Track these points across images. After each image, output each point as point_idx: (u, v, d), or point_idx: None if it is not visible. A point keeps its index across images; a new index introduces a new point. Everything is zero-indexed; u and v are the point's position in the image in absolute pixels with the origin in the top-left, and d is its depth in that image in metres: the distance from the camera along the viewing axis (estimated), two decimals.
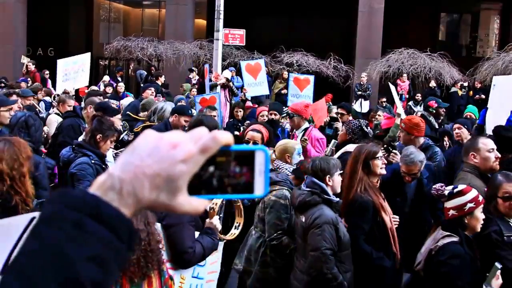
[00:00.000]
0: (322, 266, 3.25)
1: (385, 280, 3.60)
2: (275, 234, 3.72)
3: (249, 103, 9.66)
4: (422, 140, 5.17)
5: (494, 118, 6.32)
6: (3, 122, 5.03)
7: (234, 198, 0.80)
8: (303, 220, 3.40)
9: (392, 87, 7.83)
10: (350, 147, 4.74)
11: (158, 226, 2.91)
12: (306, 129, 5.85)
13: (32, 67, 12.73)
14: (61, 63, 10.81)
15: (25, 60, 13.59)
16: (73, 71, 10.65)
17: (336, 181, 3.49)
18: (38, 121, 5.92)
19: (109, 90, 11.76)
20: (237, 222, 3.62)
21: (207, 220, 3.33)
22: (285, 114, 7.22)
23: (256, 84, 11.01)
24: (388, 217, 3.65)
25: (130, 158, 0.73)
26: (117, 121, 5.38)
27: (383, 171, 3.76)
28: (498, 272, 2.92)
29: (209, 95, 8.74)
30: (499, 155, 3.98)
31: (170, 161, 0.72)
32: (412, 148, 4.40)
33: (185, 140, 0.74)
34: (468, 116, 7.46)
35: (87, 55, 11.06)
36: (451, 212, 3.05)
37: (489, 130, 6.42)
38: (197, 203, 0.76)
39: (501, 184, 3.32)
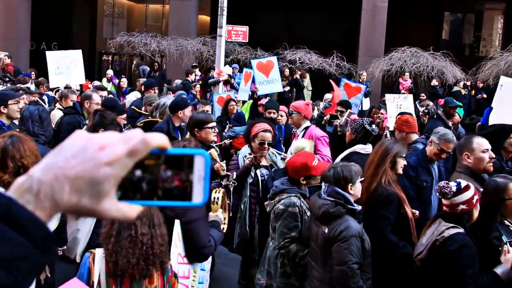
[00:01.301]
0: (349, 280, 3.15)
1: (408, 267, 3.58)
2: (282, 243, 3.65)
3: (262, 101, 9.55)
4: (414, 136, 5.25)
5: (499, 119, 6.31)
6: (12, 115, 4.97)
7: (170, 205, 0.74)
8: (326, 231, 3.27)
9: (388, 98, 7.94)
10: (358, 148, 4.77)
11: (176, 224, 2.96)
12: (306, 128, 5.80)
13: (7, 60, 12.58)
14: (51, 56, 10.62)
15: (1, 54, 13.47)
16: (66, 66, 10.48)
17: (357, 188, 3.39)
18: (49, 116, 5.89)
19: (123, 83, 11.63)
20: (223, 217, 3.63)
21: (211, 213, 3.38)
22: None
23: (268, 81, 10.92)
24: (409, 209, 3.73)
25: (55, 159, 0.69)
26: (122, 120, 5.36)
27: (401, 171, 3.87)
28: (506, 246, 3.03)
29: (225, 94, 8.76)
30: (494, 156, 3.98)
31: (94, 163, 0.68)
32: (441, 128, 4.56)
33: (114, 142, 0.70)
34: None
35: (79, 52, 10.90)
36: (461, 206, 3.10)
37: None
38: (127, 209, 0.72)
39: (507, 185, 3.29)
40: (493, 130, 5.18)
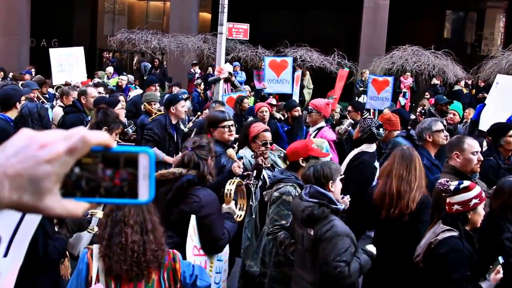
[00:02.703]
0: (337, 277, 3.10)
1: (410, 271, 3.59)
2: (271, 229, 3.67)
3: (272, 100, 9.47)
4: (396, 133, 5.35)
5: (493, 116, 6.29)
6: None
7: (115, 202, 0.75)
8: (312, 233, 3.23)
9: None
10: (365, 147, 4.84)
11: (192, 218, 3.04)
12: (319, 129, 5.73)
13: None
14: (54, 53, 10.71)
15: None
16: (68, 63, 10.58)
17: (338, 186, 3.36)
18: (48, 113, 5.87)
19: (123, 81, 11.66)
20: (240, 204, 3.73)
21: (224, 205, 3.45)
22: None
23: (277, 81, 10.82)
24: None
25: None
26: (121, 112, 5.37)
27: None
28: (499, 267, 2.98)
29: (236, 94, 8.74)
30: (482, 158, 4.02)
31: (34, 161, 0.69)
32: (424, 120, 4.76)
33: (56, 140, 0.71)
34: (452, 114, 7.23)
35: (80, 49, 11.01)
36: (456, 207, 3.09)
37: (482, 126, 6.40)
38: (72, 206, 0.73)
39: None
40: (490, 128, 5.22)
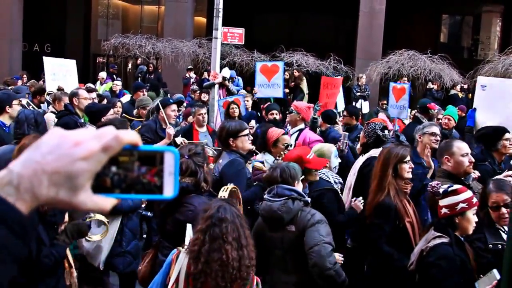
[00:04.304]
0: (324, 260, 3.14)
1: (406, 280, 3.53)
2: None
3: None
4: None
5: (486, 121, 6.18)
6: (14, 116, 4.94)
7: (142, 198, 0.80)
8: (294, 229, 3.28)
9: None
10: (374, 152, 4.75)
11: (188, 227, 2.96)
12: (300, 130, 5.77)
13: None
14: (48, 61, 10.78)
15: None
16: (61, 74, 10.71)
17: (300, 186, 3.47)
18: (45, 119, 5.76)
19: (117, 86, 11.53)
20: None
21: None
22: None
23: (268, 86, 10.73)
24: (411, 220, 3.68)
25: (32, 154, 0.74)
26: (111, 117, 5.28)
27: (410, 175, 3.81)
28: (495, 282, 2.87)
29: (232, 98, 8.63)
30: (473, 160, 4.03)
31: (70, 158, 0.73)
32: (424, 123, 5.01)
33: (88, 138, 0.74)
34: (447, 119, 7.16)
35: (73, 62, 11.14)
36: (444, 210, 3.07)
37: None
38: (102, 202, 0.77)
39: (490, 194, 3.30)
40: (486, 132, 5.16)
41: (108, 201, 0.77)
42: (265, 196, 3.38)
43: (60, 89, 9.21)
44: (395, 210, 3.62)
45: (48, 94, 9.45)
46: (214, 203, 2.59)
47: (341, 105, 10.90)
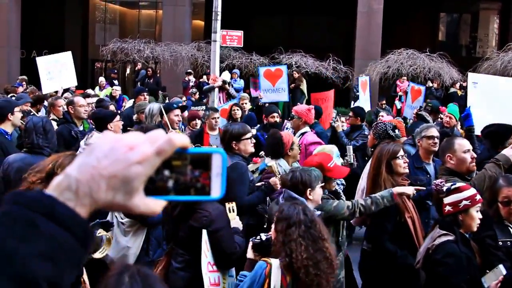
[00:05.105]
0: None
1: (409, 277, 3.55)
2: None
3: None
4: (403, 140, 5.33)
5: (481, 118, 6.16)
6: (16, 123, 4.92)
7: (192, 199, 0.82)
8: None
9: None
10: None
11: (204, 233, 2.99)
12: (303, 134, 5.76)
13: None
14: (42, 61, 10.57)
15: None
16: (57, 70, 10.42)
17: (317, 193, 3.30)
18: (53, 127, 5.76)
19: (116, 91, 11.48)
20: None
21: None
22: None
23: (273, 90, 10.72)
24: (411, 215, 3.68)
25: (87, 159, 0.75)
26: (119, 124, 5.22)
27: (406, 170, 3.80)
28: (501, 277, 2.88)
29: (227, 104, 8.61)
30: (475, 156, 4.03)
31: (126, 162, 0.74)
32: (422, 125, 4.89)
33: (141, 142, 0.76)
34: (449, 118, 7.15)
35: (68, 53, 10.81)
36: (447, 208, 3.08)
37: (477, 130, 6.22)
38: (153, 204, 0.78)
39: (501, 189, 3.28)
40: (495, 129, 5.10)
41: (158, 204, 0.79)
42: (279, 197, 3.38)
43: (52, 95, 9.17)
44: (395, 206, 3.63)
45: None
46: (287, 208, 2.59)
47: (367, 105, 10.65)
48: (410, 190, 3.49)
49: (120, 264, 2.57)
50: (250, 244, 2.81)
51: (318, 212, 3.17)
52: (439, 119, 7.40)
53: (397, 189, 3.49)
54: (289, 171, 3.53)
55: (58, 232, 0.69)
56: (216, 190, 0.80)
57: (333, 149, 4.42)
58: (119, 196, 0.74)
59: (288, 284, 2.43)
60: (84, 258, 0.75)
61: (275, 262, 2.47)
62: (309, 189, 3.25)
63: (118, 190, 0.74)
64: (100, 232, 3.03)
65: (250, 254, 2.78)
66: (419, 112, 7.82)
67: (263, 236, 2.78)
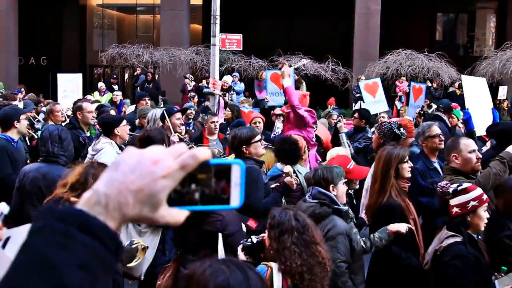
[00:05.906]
0: (336, 279, 3.13)
1: (414, 278, 3.57)
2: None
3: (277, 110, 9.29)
4: (410, 140, 5.30)
5: (479, 119, 6.18)
6: (22, 131, 4.95)
7: (212, 209, 0.84)
8: None
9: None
10: None
11: (219, 238, 3.01)
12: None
13: None
14: (61, 78, 11.57)
15: None
16: (70, 90, 11.29)
17: (340, 190, 3.38)
18: (69, 135, 5.77)
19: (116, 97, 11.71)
20: None
21: None
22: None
23: (279, 94, 10.69)
24: (414, 217, 3.69)
25: (114, 174, 0.77)
26: (126, 128, 5.19)
27: (410, 174, 3.82)
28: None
29: (248, 109, 8.63)
30: (480, 156, 4.03)
31: (152, 177, 0.77)
32: (423, 124, 4.78)
33: (165, 156, 0.78)
34: (450, 118, 7.15)
35: (80, 76, 11.94)
36: (455, 209, 3.08)
37: (477, 131, 6.22)
38: (177, 214, 0.81)
39: None
40: (503, 128, 5.11)
41: (182, 214, 0.82)
42: (306, 196, 3.44)
43: (48, 103, 9.20)
44: (398, 207, 3.64)
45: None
46: (279, 214, 2.59)
47: (382, 107, 10.53)
48: (404, 227, 3.49)
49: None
50: (241, 246, 2.82)
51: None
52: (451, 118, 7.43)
53: (392, 227, 3.48)
54: (312, 170, 3.58)
55: (92, 244, 0.72)
56: (236, 199, 0.83)
57: (346, 151, 4.44)
58: (146, 209, 0.77)
59: (289, 287, 2.45)
60: (115, 269, 0.77)
61: (275, 266, 2.50)
62: (332, 185, 3.33)
63: (145, 203, 0.77)
64: (136, 243, 3.05)
65: (241, 256, 2.78)
66: (437, 113, 7.75)
67: (254, 239, 2.78)
